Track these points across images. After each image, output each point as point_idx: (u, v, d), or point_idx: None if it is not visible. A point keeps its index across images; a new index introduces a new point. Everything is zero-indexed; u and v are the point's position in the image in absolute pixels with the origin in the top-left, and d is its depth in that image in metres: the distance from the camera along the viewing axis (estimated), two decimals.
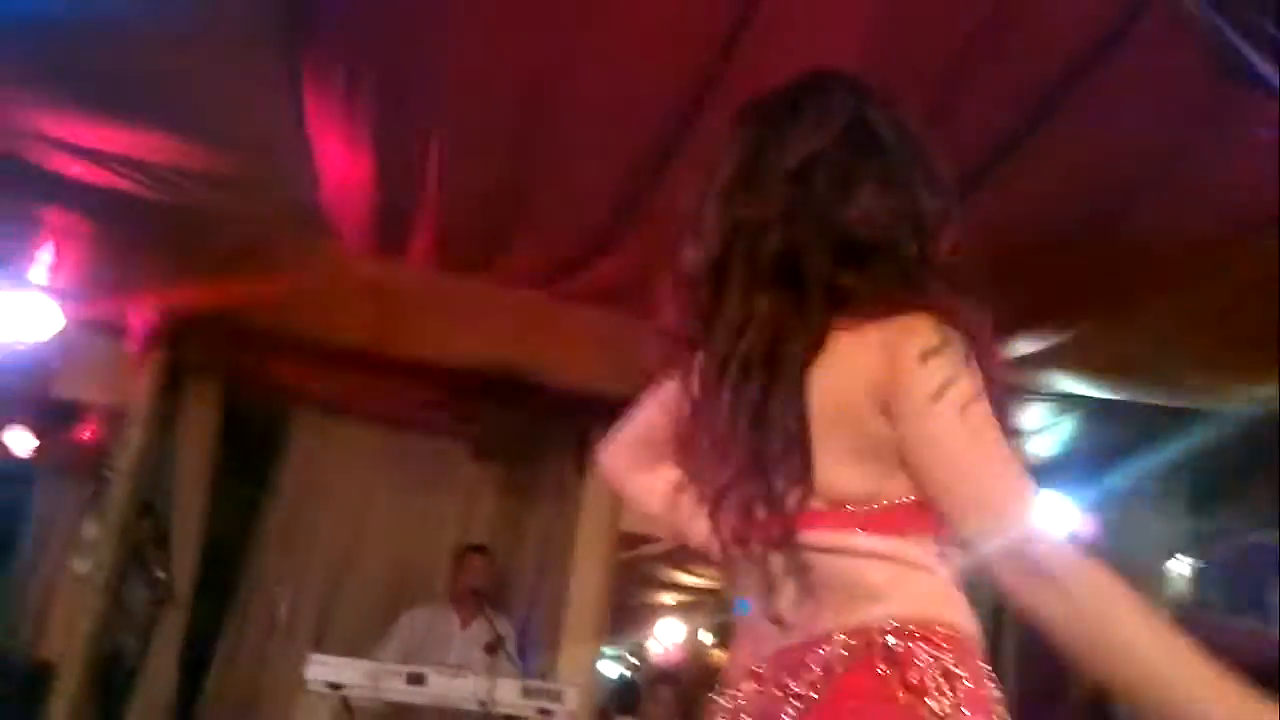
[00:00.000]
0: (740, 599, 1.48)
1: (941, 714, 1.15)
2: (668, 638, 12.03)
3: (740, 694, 1.34)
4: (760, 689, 1.30)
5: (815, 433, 1.26)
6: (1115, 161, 3.01)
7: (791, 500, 1.26)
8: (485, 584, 5.17)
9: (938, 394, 1.21)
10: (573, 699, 4.82)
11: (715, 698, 1.38)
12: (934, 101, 2.80)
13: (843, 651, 1.22)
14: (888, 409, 1.25)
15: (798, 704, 1.23)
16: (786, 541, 1.26)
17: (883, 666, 1.19)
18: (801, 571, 1.27)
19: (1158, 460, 5.04)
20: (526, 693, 4.74)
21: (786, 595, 1.28)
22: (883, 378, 1.24)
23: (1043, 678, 3.78)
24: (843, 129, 1.35)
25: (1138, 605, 1.17)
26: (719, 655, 12.04)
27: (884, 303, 1.28)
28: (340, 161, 3.34)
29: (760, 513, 1.27)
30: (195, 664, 5.38)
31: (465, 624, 5.13)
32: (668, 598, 10.86)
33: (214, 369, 5.50)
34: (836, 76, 1.43)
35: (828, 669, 1.21)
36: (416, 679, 4.65)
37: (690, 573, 9.51)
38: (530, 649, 5.50)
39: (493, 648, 4.68)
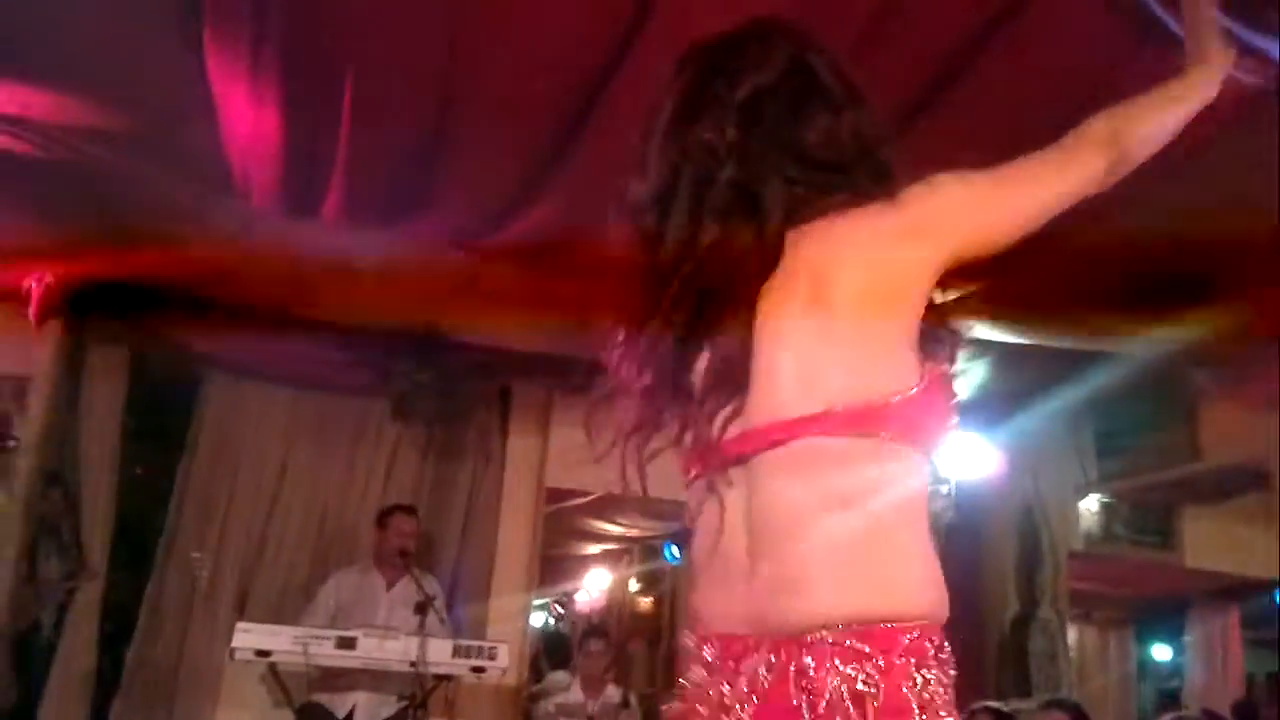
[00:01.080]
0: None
1: None
2: (595, 587, 12.14)
3: None
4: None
5: (843, 314, 1.27)
6: (1025, 116, 3.05)
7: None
8: (411, 544, 5.13)
9: (964, 179, 1.35)
10: (505, 656, 4.84)
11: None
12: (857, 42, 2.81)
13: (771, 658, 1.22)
14: (918, 232, 1.30)
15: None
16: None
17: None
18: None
19: (1067, 401, 5.20)
20: (458, 651, 4.75)
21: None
22: (899, 220, 1.30)
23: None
24: (786, 66, 1.40)
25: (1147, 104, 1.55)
26: (645, 603, 12.20)
27: (873, 194, 1.33)
28: (246, 118, 3.23)
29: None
30: (115, 636, 5.26)
31: (392, 585, 5.10)
32: (594, 548, 10.94)
33: (118, 335, 5.33)
34: (775, 22, 1.47)
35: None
36: (346, 643, 4.63)
37: (615, 523, 9.57)
38: (459, 607, 5.49)
39: (422, 608, 4.66)
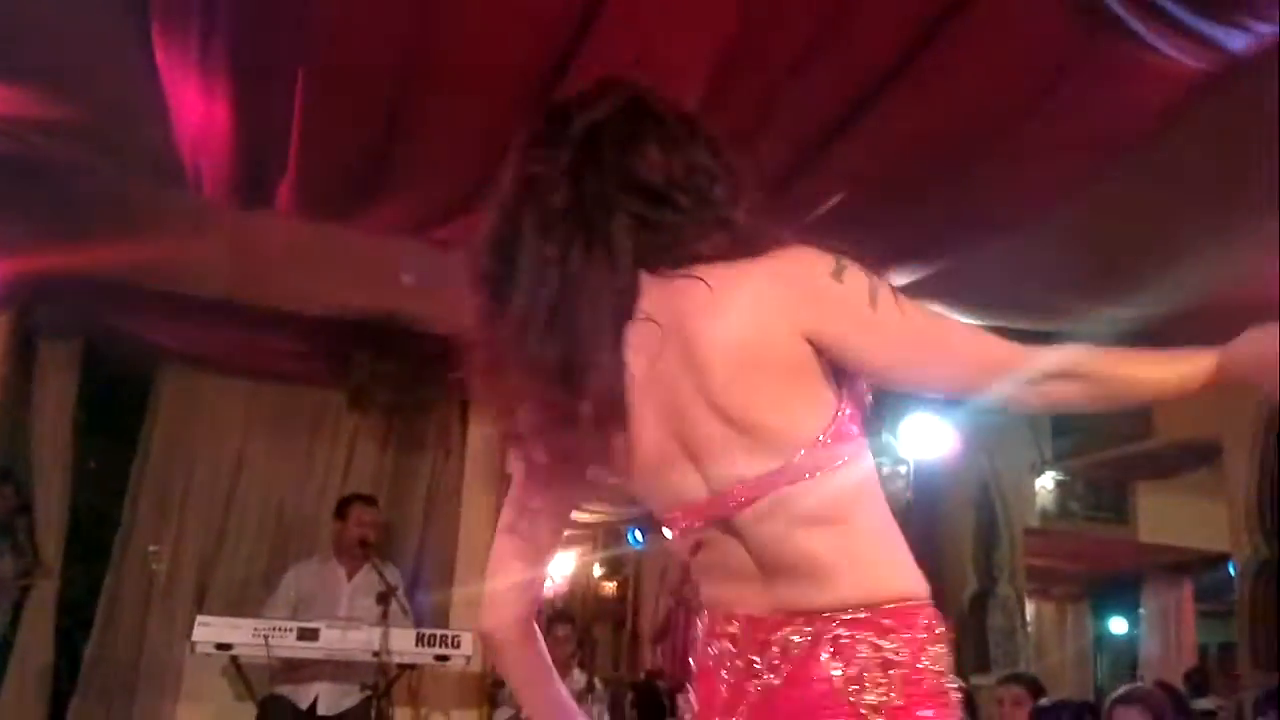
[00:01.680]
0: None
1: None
2: (558, 573, 12.14)
3: None
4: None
5: (731, 377, 1.28)
6: (972, 110, 3.09)
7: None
8: (371, 534, 5.11)
9: (871, 300, 1.29)
10: (468, 643, 4.84)
11: None
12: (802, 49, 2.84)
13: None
14: (814, 334, 1.29)
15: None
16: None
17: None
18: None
19: None
20: (421, 640, 4.75)
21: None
22: (798, 306, 1.29)
23: None
24: (621, 104, 1.41)
25: (1119, 357, 1.36)
26: (609, 588, 12.23)
27: (738, 247, 1.32)
28: (196, 109, 3.19)
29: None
30: (72, 632, 5.21)
31: (353, 575, 5.07)
32: None
33: (70, 328, 5.25)
34: (620, 78, 1.48)
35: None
36: (308, 634, 4.61)
37: (578, 508, 9.57)
38: (422, 596, 5.48)
39: (384, 598, 4.65)
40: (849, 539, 1.29)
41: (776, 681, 1.29)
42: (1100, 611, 10.37)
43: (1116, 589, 9.86)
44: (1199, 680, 7.50)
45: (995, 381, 1.30)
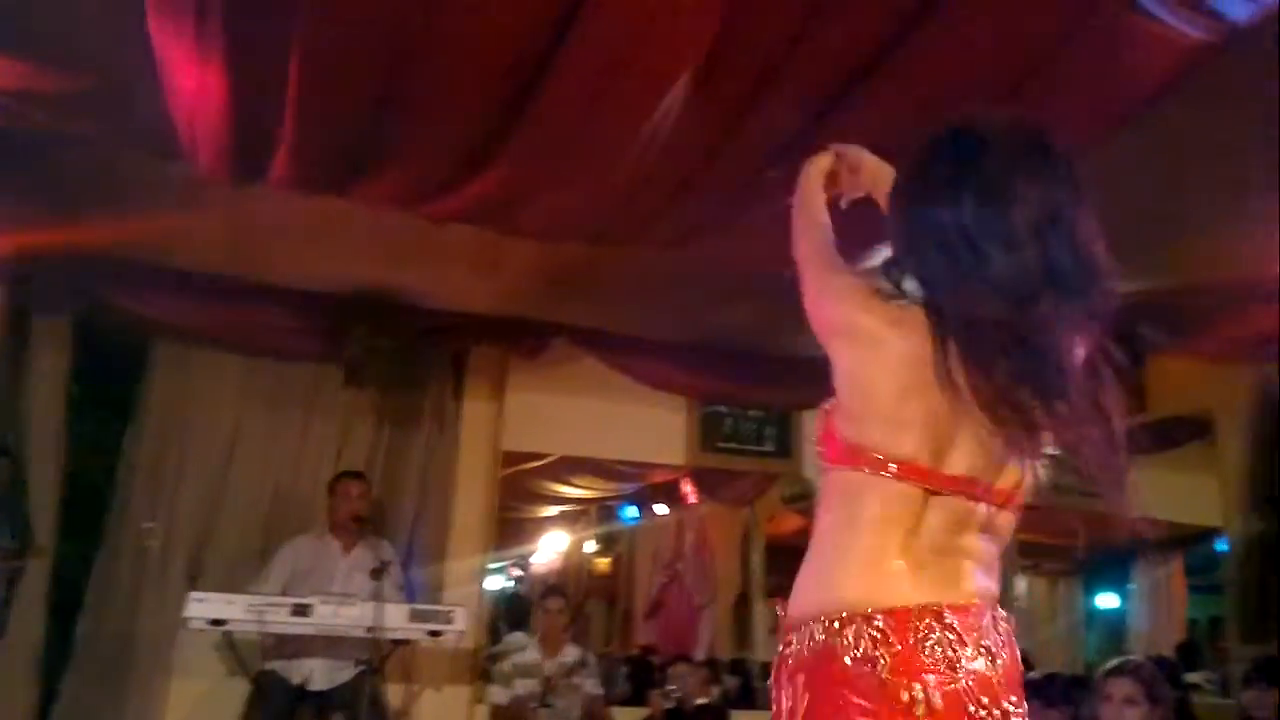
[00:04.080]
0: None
1: None
2: (552, 549, 12.16)
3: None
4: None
5: None
6: (981, 71, 3.06)
7: None
8: (364, 510, 5.11)
9: None
10: (461, 619, 4.85)
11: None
12: (802, 14, 2.81)
13: None
14: None
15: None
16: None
17: None
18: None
19: None
20: (415, 616, 4.76)
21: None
22: None
23: None
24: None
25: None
26: (602, 564, 12.26)
27: None
28: (190, 81, 3.15)
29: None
30: (65, 609, 5.19)
31: (347, 551, 5.08)
32: (550, 510, 10.95)
33: (63, 303, 5.21)
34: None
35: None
36: (301, 610, 4.61)
37: (572, 485, 9.59)
38: (415, 572, 5.48)
39: (378, 573, 4.65)
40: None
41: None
42: (1091, 587, 10.42)
43: (1107, 563, 9.90)
44: (1188, 654, 7.56)
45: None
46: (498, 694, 5.44)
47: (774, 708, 1.46)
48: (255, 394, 5.62)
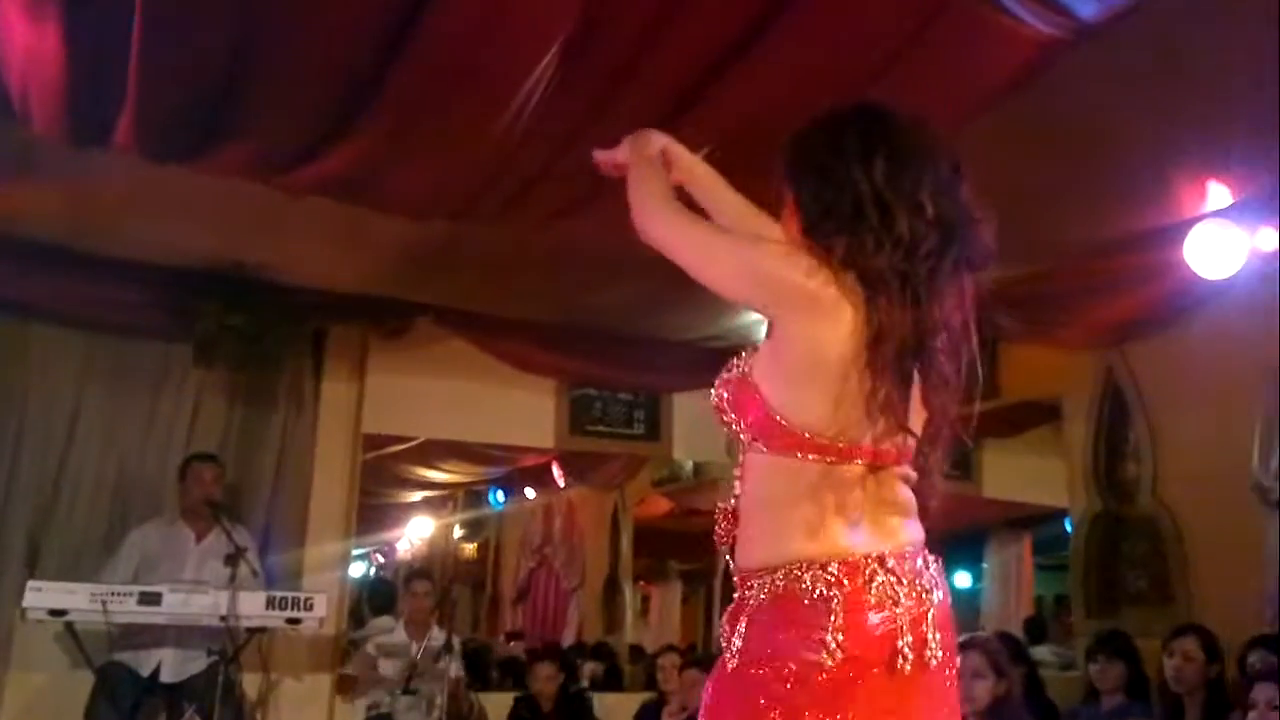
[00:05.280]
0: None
1: None
2: (417, 534, 12.00)
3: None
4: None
5: None
6: (835, 64, 3.10)
7: None
8: (217, 494, 4.94)
9: None
10: (322, 606, 4.75)
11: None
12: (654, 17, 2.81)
13: None
14: None
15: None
16: None
17: None
18: None
19: None
20: (272, 603, 4.64)
21: None
22: None
23: None
24: None
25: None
26: (469, 549, 12.15)
27: None
28: (20, 32, 2.95)
29: None
30: None
31: (201, 537, 4.92)
32: (416, 495, 10.79)
33: None
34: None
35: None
36: (150, 598, 4.47)
37: (438, 469, 9.46)
38: (273, 559, 5.33)
39: (232, 560, 4.51)
40: None
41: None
42: (946, 567, 10.76)
43: (961, 544, 10.25)
44: (1035, 629, 7.89)
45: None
46: (351, 668, 5.44)
47: (725, 648, 1.63)
48: (98, 372, 5.36)
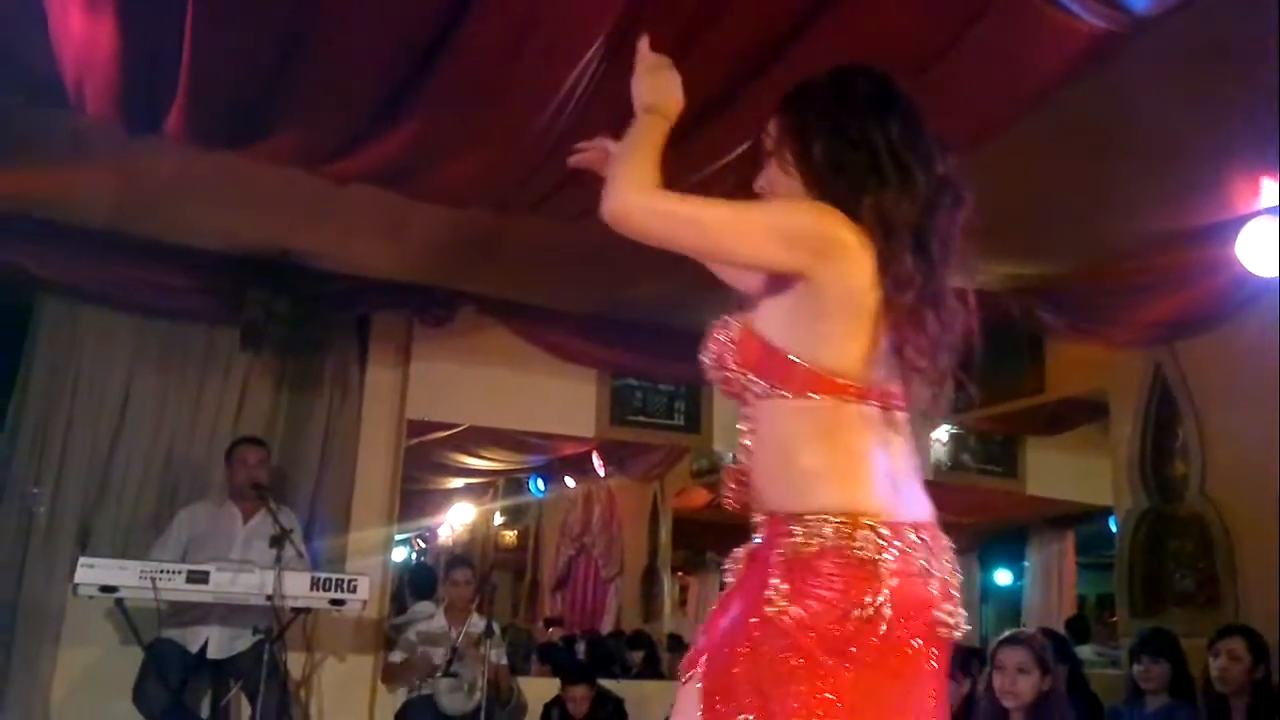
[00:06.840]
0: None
1: None
2: (459, 520, 12.08)
3: None
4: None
5: None
6: (890, 48, 3.07)
7: None
8: (263, 477, 5.01)
9: None
10: (365, 589, 4.80)
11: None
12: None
13: None
14: None
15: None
16: None
17: None
18: None
19: None
20: (316, 584, 4.70)
21: None
22: None
23: None
24: None
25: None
26: (509, 536, 12.21)
27: None
28: (77, 23, 3.00)
29: None
30: None
31: (248, 518, 4.99)
32: (457, 482, 10.86)
33: None
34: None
35: None
36: (198, 577, 4.55)
37: (479, 456, 9.52)
38: (318, 541, 5.40)
39: (278, 541, 4.57)
40: None
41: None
42: (987, 563, 10.70)
43: (1003, 541, 10.17)
44: (1078, 629, 7.81)
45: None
46: (396, 655, 5.45)
47: (760, 592, 1.56)
48: (148, 356, 5.44)
